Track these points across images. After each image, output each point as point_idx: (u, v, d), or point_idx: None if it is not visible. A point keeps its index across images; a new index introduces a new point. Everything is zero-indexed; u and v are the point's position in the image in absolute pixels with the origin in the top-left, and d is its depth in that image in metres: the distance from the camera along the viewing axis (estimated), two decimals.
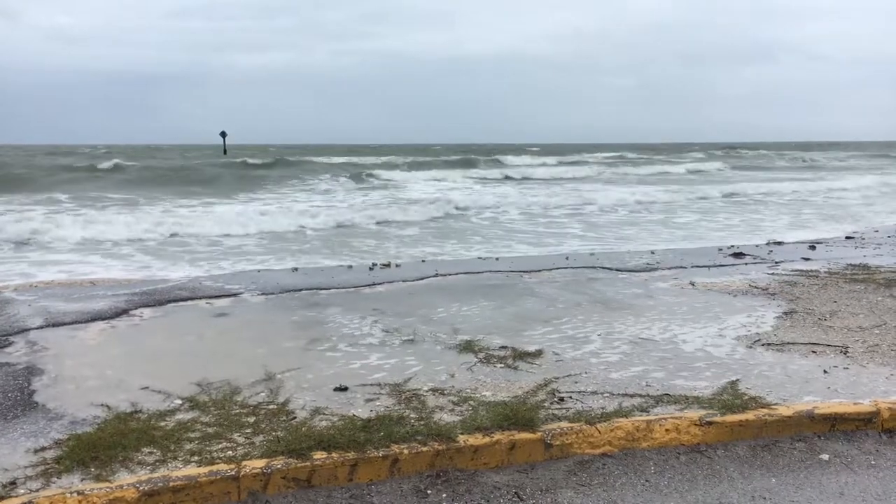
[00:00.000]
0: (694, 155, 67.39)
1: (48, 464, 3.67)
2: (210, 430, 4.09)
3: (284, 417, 4.28)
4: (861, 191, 28.55)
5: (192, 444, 3.88)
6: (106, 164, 38.41)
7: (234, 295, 8.00)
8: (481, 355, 5.55)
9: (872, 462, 3.91)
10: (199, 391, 4.76)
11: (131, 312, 7.13)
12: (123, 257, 12.53)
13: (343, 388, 4.79)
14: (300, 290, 8.29)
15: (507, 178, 39.79)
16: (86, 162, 42.60)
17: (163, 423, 4.18)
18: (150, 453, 3.77)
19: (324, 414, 4.32)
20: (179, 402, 4.57)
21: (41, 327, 6.51)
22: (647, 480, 3.73)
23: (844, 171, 44.43)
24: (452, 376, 5.07)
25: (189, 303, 7.61)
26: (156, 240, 14.67)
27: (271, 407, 4.46)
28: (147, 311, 7.19)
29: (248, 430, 4.08)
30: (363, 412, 4.33)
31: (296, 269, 10.31)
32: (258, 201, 24.12)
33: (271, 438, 3.92)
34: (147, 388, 4.84)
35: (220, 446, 3.86)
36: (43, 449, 3.88)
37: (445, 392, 4.71)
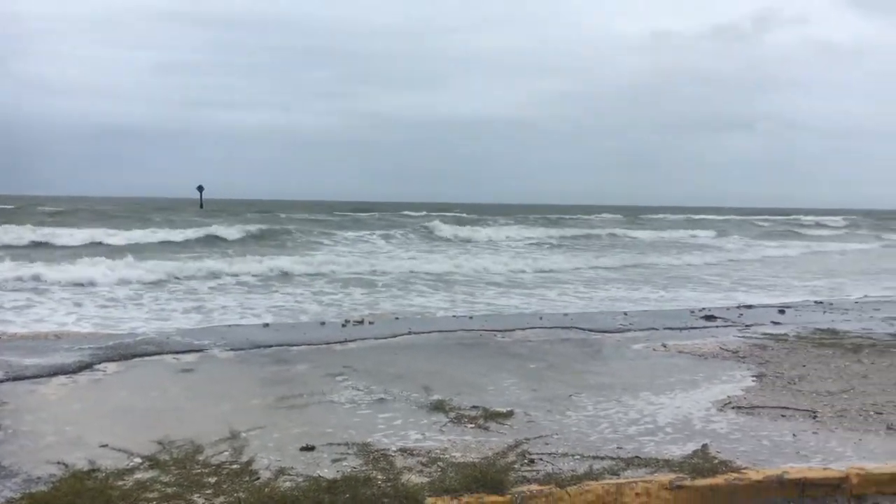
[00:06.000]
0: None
1: None
2: (169, 489, 3.96)
3: (247, 478, 4.17)
4: None
5: None
6: None
7: (202, 350, 7.86)
8: (452, 415, 5.48)
9: None
10: (160, 449, 4.62)
11: (95, 367, 6.97)
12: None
13: (310, 448, 4.69)
14: (270, 346, 8.18)
15: None
16: None
17: (121, 483, 4.04)
18: None
19: (288, 475, 4.21)
20: (139, 460, 4.43)
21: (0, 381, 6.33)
22: None
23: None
24: (423, 436, 4.99)
25: (155, 357, 7.47)
26: None
27: (234, 467, 4.34)
28: (111, 366, 7.03)
29: (209, 492, 3.95)
30: (329, 472, 4.23)
31: (267, 324, 10.20)
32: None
33: (232, 500, 3.80)
34: (106, 445, 4.69)
35: None
36: None
37: (414, 452, 4.63)
